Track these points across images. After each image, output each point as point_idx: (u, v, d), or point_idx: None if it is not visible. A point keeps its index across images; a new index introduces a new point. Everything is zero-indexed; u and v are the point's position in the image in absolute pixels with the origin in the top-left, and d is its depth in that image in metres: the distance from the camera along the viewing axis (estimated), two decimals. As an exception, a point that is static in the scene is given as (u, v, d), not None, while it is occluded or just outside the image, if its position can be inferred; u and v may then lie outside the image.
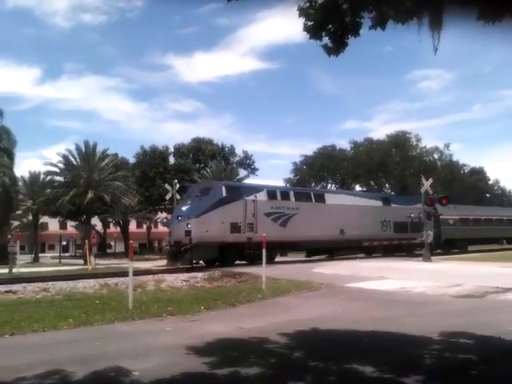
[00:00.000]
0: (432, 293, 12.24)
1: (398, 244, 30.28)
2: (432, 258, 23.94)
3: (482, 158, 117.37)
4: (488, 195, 72.97)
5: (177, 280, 15.39)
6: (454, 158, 65.25)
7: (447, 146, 63.24)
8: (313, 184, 62.63)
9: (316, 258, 27.80)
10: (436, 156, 64.09)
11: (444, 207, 28.38)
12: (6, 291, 12.86)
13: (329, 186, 64.12)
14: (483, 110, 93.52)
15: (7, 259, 24.55)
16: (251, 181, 51.59)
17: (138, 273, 15.79)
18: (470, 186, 64.99)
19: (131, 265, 10.58)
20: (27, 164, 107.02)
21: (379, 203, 30.33)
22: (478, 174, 70.48)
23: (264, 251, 13.77)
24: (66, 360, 5.99)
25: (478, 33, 4.71)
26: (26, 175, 49.07)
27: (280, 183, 62.03)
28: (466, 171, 69.24)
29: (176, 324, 8.66)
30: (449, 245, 33.90)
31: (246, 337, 7.30)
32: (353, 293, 12.57)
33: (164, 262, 25.91)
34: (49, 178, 45.59)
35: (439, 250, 32.06)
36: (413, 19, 4.74)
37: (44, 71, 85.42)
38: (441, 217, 30.93)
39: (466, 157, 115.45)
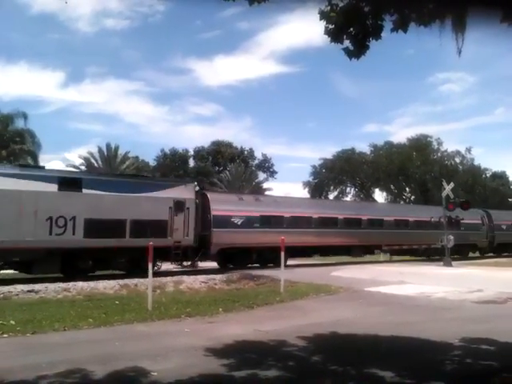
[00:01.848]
0: (453, 298, 12.06)
1: (102, 255, 17.57)
2: (453, 262, 23.64)
3: (504, 162, 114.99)
4: (510, 200, 71.59)
5: (195, 282, 15.44)
6: (476, 162, 64.34)
7: (469, 150, 62.30)
8: (332, 187, 62.40)
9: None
10: (457, 160, 63.26)
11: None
12: (29, 290, 13.06)
13: (348, 189, 63.81)
14: (506, 114, 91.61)
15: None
16: (270, 184, 51.77)
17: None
18: (491, 190, 63.91)
19: (151, 266, 10.65)
20: (50, 166, 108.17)
21: (50, 187, 16.62)
22: (501, 178, 69.18)
23: None
24: (86, 359, 6.07)
25: (502, 35, 4.65)
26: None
27: (299, 186, 62.00)
28: (487, 175, 68.09)
29: (194, 325, 8.71)
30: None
31: (264, 339, 7.30)
32: (372, 297, 12.46)
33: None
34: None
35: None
36: (435, 21, 4.71)
37: (67, 75, 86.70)
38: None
39: (488, 161, 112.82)
